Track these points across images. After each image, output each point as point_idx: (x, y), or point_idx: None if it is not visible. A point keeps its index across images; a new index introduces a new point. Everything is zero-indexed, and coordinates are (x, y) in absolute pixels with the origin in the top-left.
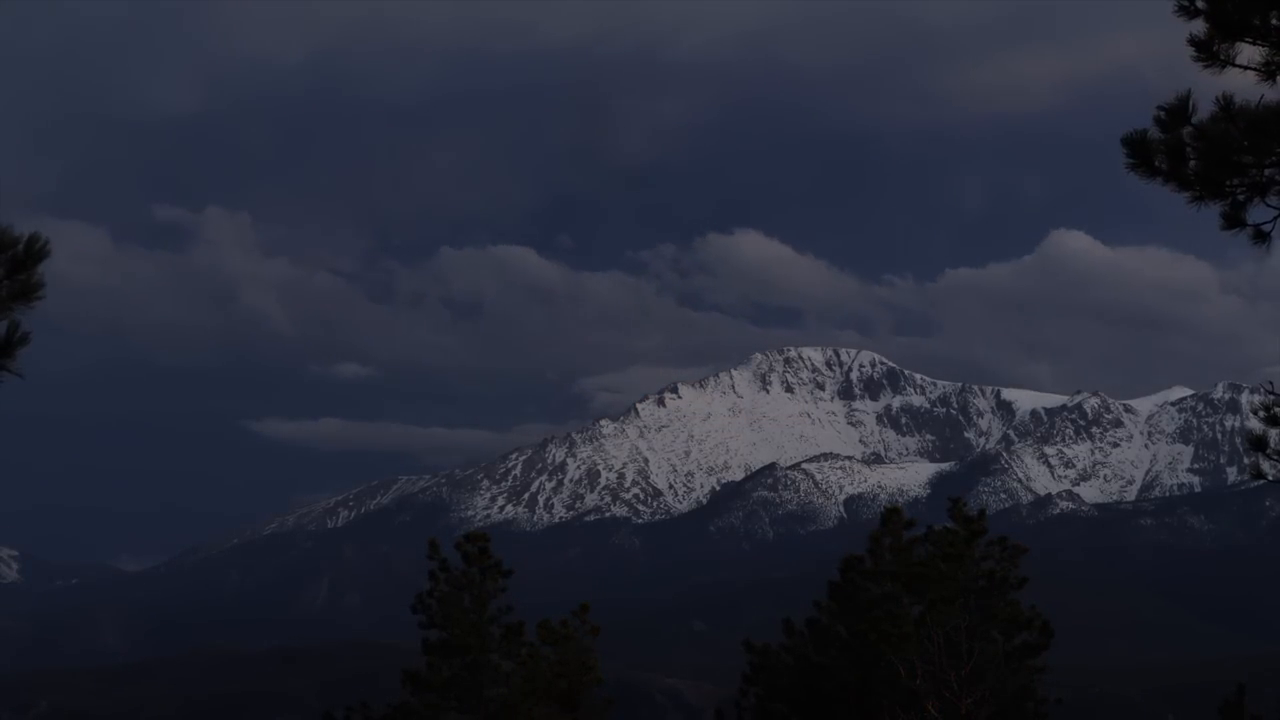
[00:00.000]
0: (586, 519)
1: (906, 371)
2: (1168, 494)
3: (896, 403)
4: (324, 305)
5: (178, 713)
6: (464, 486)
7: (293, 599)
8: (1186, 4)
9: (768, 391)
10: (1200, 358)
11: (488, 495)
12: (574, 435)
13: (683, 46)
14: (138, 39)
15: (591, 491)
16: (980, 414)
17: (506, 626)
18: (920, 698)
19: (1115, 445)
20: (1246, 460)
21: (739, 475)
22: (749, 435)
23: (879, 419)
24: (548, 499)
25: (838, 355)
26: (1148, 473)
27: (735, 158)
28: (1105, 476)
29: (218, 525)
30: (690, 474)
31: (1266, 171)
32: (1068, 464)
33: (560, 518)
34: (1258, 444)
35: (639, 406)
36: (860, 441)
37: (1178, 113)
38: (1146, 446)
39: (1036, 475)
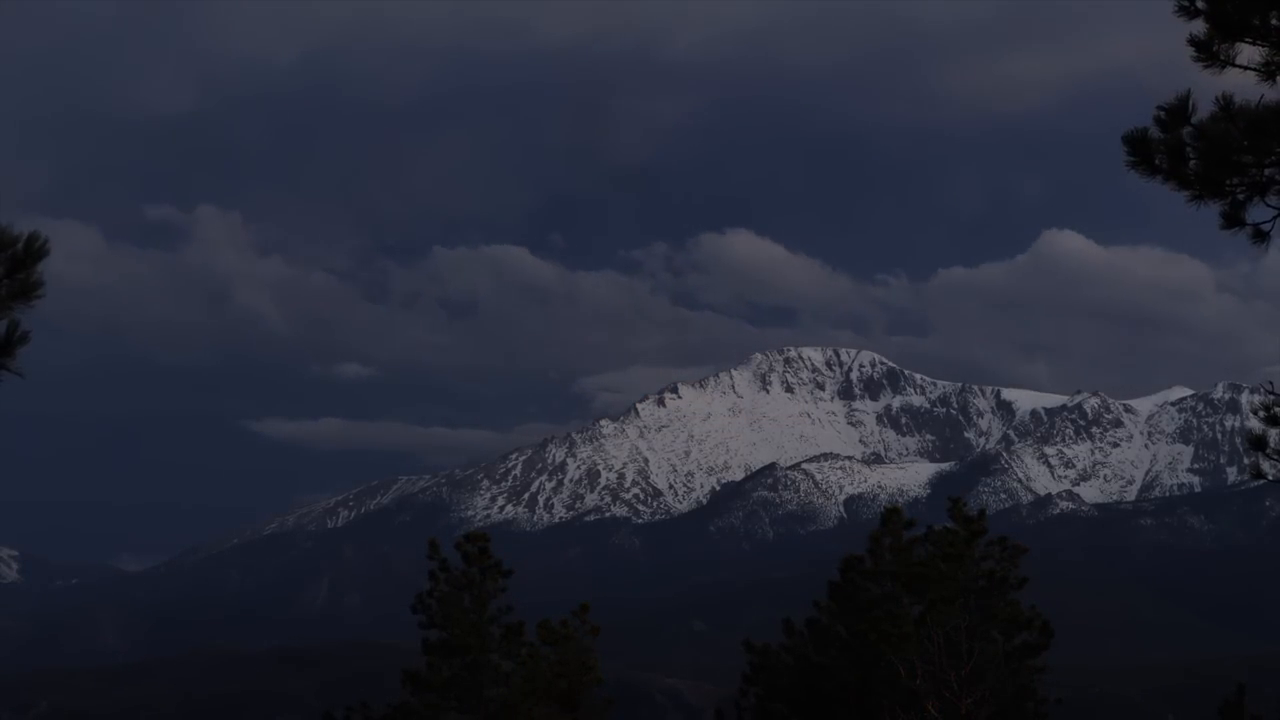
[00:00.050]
0: (586, 519)
1: (906, 371)
2: (1168, 494)
3: (896, 403)
4: (319, 304)
5: (178, 712)
6: (464, 486)
7: (293, 599)
8: (1186, 4)
9: (768, 391)
10: (1196, 357)
11: (488, 495)
12: (574, 435)
13: (678, 46)
14: (130, 38)
15: (591, 491)
16: (980, 414)
17: (506, 626)
18: (920, 698)
19: (1115, 445)
20: (1246, 460)
21: (739, 475)
22: (749, 435)
23: (879, 419)
24: (548, 499)
25: (838, 355)
26: (1148, 473)
27: (728, 156)
28: (1105, 476)
29: (218, 525)
30: (690, 474)
31: (1266, 171)
32: (1068, 464)
33: (560, 518)
34: (1258, 444)
35: (639, 406)
36: (860, 441)
37: (1178, 113)
38: (1146, 446)
39: (1036, 475)
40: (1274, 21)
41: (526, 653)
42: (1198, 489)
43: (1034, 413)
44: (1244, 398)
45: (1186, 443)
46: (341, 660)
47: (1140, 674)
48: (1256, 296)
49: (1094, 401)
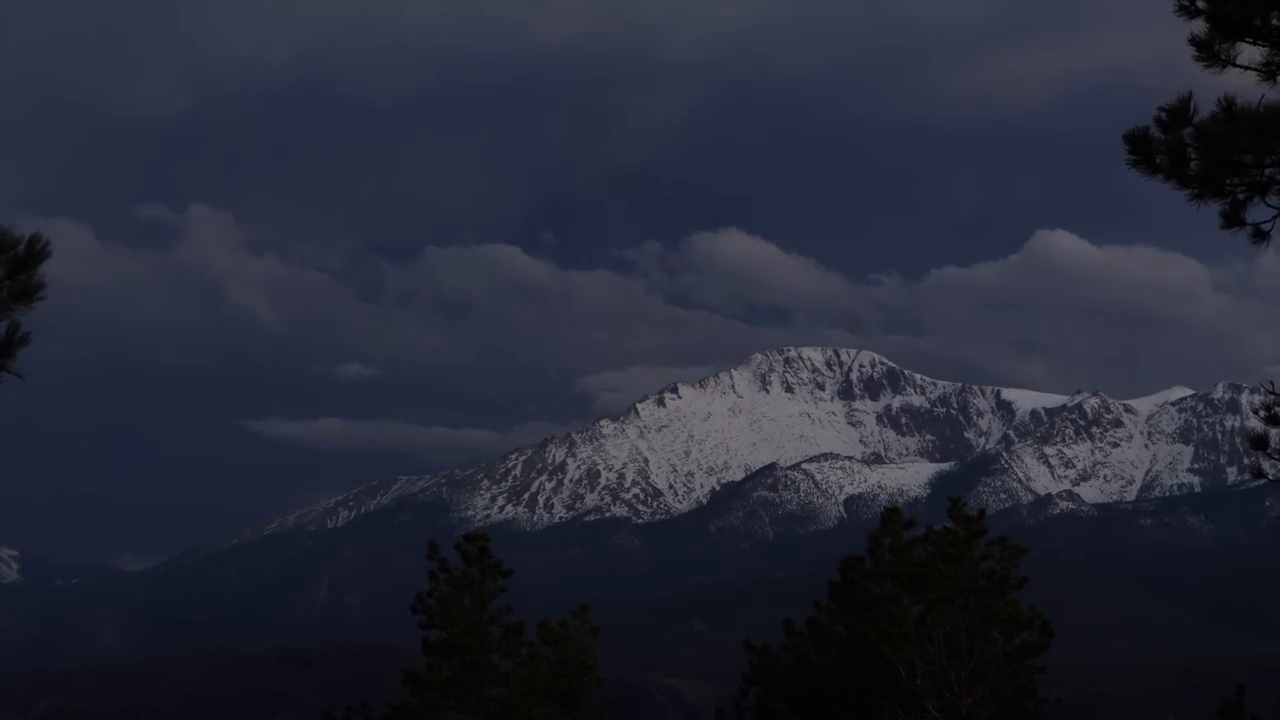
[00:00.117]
0: (586, 519)
1: (906, 371)
2: (1168, 494)
3: (896, 403)
4: (315, 304)
5: (178, 712)
6: (464, 486)
7: (293, 599)
8: (1187, 4)
9: (768, 391)
10: (1193, 356)
11: (488, 495)
12: (574, 435)
13: (673, 45)
14: (121, 37)
15: (591, 491)
16: (980, 414)
17: (506, 626)
18: (920, 698)
19: (1115, 445)
20: (1247, 460)
21: (739, 475)
22: (749, 435)
23: (879, 419)
24: (548, 499)
25: (838, 355)
26: (1148, 473)
27: (720, 155)
28: (1105, 476)
29: (218, 525)
30: (690, 474)
31: (1267, 171)
32: (1068, 464)
33: (560, 518)
34: (1258, 443)
35: (639, 406)
36: (860, 441)
37: (1179, 113)
38: (1146, 446)
39: (1036, 475)
40: (1275, 21)
41: (526, 653)
42: (1198, 489)
43: (1034, 413)
44: (1244, 398)
45: (1186, 443)
46: (341, 660)
47: (1140, 674)
48: (1251, 295)
49: (1094, 401)
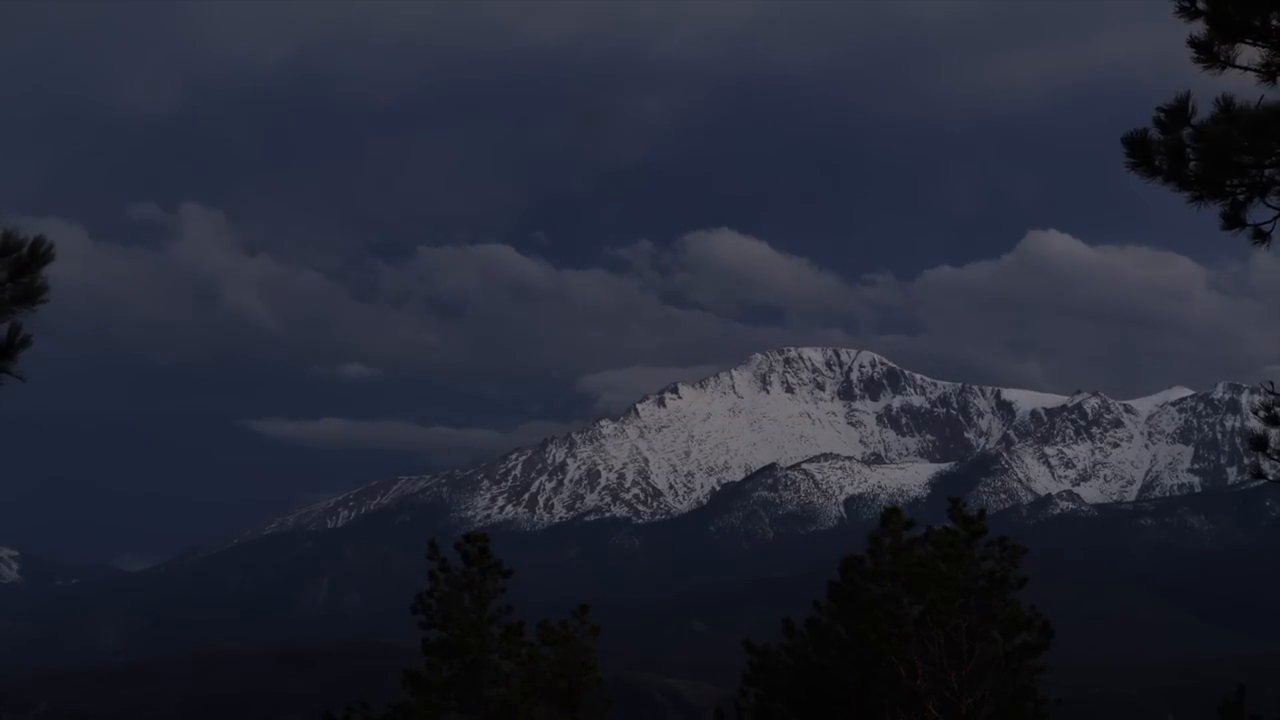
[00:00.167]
0: (586, 519)
1: (906, 372)
2: (1168, 494)
3: (896, 403)
4: (311, 304)
5: (178, 713)
6: (464, 486)
7: (293, 599)
8: (1187, 5)
9: (768, 392)
10: (1189, 355)
11: (488, 495)
12: (574, 435)
13: (668, 44)
14: (114, 37)
15: (591, 492)
16: (980, 414)
17: (506, 626)
18: (920, 698)
19: (1115, 445)
20: (1246, 460)
21: (739, 475)
22: (749, 435)
23: (879, 419)
24: (548, 499)
25: (838, 355)
26: (1148, 473)
27: (715, 155)
28: (1105, 476)
29: (218, 525)
30: (690, 474)
31: (1266, 172)
32: (1068, 464)
33: (560, 518)
34: (1258, 444)
35: (639, 406)
36: (860, 442)
37: (1178, 114)
38: (1147, 447)
39: (1036, 475)
40: (1274, 22)
41: (526, 653)
42: (1198, 489)
43: (1034, 413)
44: (1244, 398)
45: (1186, 443)
46: (341, 660)
47: (1140, 674)
48: (1247, 295)
49: (1094, 402)
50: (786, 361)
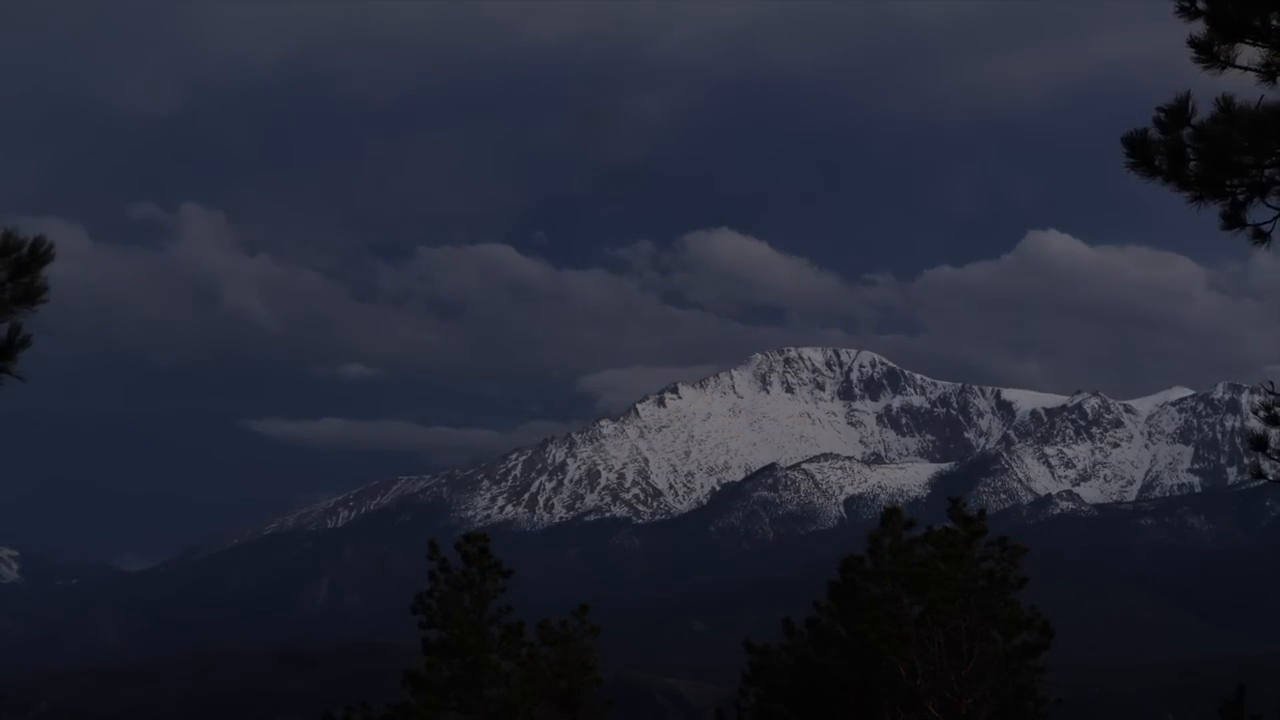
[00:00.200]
0: (586, 519)
1: (906, 372)
2: (1168, 494)
3: (896, 403)
4: (310, 304)
5: (178, 713)
6: (464, 486)
7: (293, 599)
8: (1187, 5)
9: (768, 392)
10: (1189, 355)
11: (488, 495)
12: (574, 435)
13: (668, 44)
14: (114, 37)
15: (591, 491)
16: (980, 414)
17: (506, 626)
18: (920, 698)
19: (1115, 445)
20: (1246, 460)
21: (739, 475)
22: (749, 435)
23: (879, 419)
24: (548, 499)
25: (838, 355)
26: (1148, 473)
27: (715, 155)
28: (1105, 477)
29: (218, 525)
30: (690, 474)
31: (1266, 172)
32: (1068, 464)
33: (560, 518)
34: (1258, 444)
35: (639, 406)
36: (860, 442)
37: (1178, 114)
38: (1147, 447)
39: (1036, 475)
40: (1274, 22)
41: (526, 653)
42: (1198, 489)
43: (1034, 413)
44: (1244, 398)
45: (1186, 443)
46: (341, 660)
47: (1140, 674)
48: (1246, 295)
49: (1094, 402)
50: (786, 361)
